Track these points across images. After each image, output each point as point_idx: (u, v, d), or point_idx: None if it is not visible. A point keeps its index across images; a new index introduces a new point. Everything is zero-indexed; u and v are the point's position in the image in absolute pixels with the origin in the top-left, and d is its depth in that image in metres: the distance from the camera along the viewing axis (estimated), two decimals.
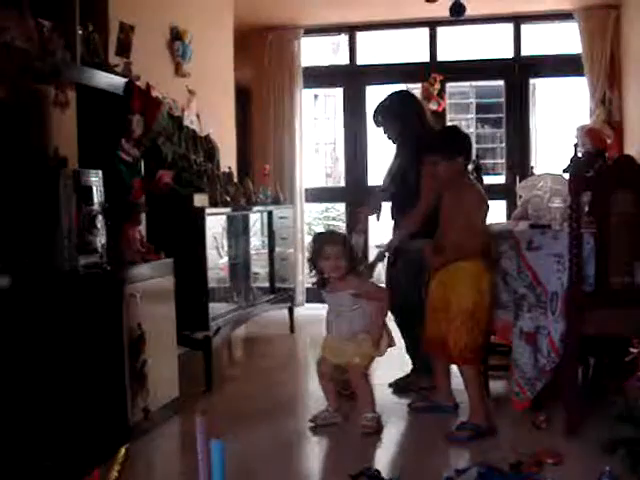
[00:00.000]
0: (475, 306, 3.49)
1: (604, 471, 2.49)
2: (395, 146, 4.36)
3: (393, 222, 4.35)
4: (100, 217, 3.60)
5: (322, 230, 3.90)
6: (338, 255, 3.57)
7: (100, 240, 3.59)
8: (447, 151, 3.56)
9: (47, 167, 3.48)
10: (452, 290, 3.54)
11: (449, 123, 7.79)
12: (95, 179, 3.64)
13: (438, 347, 3.64)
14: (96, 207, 3.60)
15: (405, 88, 8.04)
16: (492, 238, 3.74)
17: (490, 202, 3.77)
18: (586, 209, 3.56)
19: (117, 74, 4.08)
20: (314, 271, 3.67)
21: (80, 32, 3.80)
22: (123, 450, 1.43)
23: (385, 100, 4.38)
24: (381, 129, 4.38)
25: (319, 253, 3.61)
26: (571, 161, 3.57)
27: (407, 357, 4.35)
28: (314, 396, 4.25)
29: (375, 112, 4.38)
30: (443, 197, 3.67)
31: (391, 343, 3.70)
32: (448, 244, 3.57)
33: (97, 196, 3.63)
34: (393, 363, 4.36)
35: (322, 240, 3.68)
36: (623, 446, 2.59)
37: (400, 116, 4.25)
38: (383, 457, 3.40)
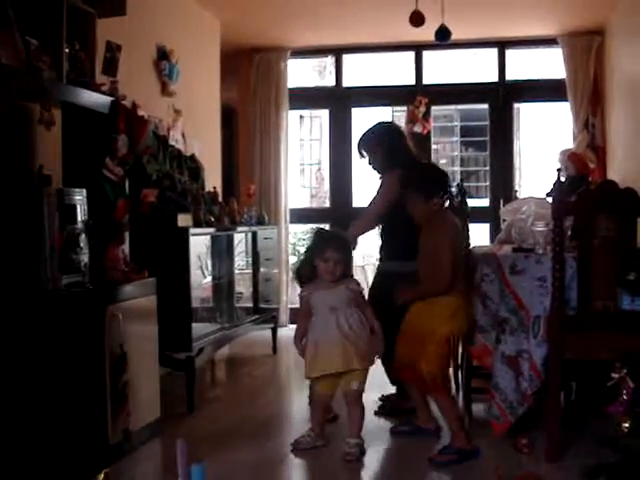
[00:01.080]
0: (449, 335, 3.50)
1: None
2: (379, 176, 4.38)
3: (380, 249, 4.39)
4: (83, 236, 3.58)
5: (326, 228, 3.78)
6: (338, 261, 3.51)
7: (83, 259, 3.57)
8: (423, 192, 3.56)
9: (31, 185, 3.46)
10: (426, 318, 3.53)
11: (434, 146, 7.84)
12: (79, 198, 3.63)
13: (409, 374, 3.64)
14: (80, 226, 3.58)
15: (391, 110, 8.15)
16: (470, 267, 3.74)
17: (474, 225, 3.78)
18: (569, 233, 3.58)
19: (103, 93, 4.06)
20: (304, 265, 3.62)
21: (67, 50, 3.79)
22: (102, 475, 1.41)
23: (368, 131, 4.42)
24: (365, 160, 4.41)
25: (319, 253, 3.53)
26: (554, 185, 3.58)
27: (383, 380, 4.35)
28: (297, 418, 4.25)
29: (359, 144, 4.42)
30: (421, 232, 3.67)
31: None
32: (419, 279, 3.58)
33: (81, 215, 3.61)
34: (377, 383, 4.35)
35: (326, 240, 3.58)
36: (605, 472, 2.59)
37: (383, 147, 4.28)
38: None
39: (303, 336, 3.64)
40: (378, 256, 4.45)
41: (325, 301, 3.55)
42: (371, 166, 4.39)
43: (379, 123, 4.49)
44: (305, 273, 3.62)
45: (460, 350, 3.98)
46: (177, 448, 1.34)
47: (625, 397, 2.37)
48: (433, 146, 7.87)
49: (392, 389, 4.36)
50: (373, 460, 3.58)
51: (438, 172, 3.78)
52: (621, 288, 2.85)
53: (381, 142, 4.31)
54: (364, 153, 4.38)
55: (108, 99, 4.04)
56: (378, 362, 4.09)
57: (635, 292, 2.59)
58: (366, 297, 3.76)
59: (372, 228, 4.33)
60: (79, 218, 3.59)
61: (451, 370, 3.83)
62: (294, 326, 3.81)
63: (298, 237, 9.04)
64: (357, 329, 3.53)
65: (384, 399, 4.33)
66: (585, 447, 3.38)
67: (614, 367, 2.48)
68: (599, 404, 2.96)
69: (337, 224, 4.40)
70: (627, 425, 2.34)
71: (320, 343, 3.54)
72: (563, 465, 3.30)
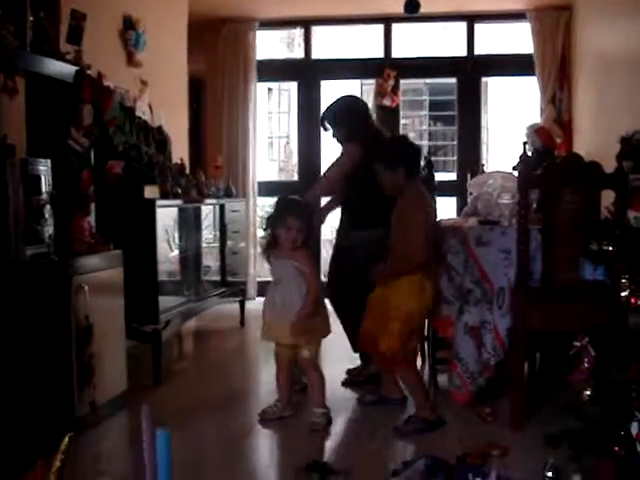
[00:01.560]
0: (410, 315, 3.50)
1: (547, 463, 2.53)
2: (342, 148, 4.39)
3: (340, 220, 4.40)
4: (48, 207, 3.55)
5: (287, 196, 3.78)
6: (300, 228, 3.52)
7: (48, 230, 3.53)
8: (389, 163, 3.55)
9: None
10: (392, 294, 3.54)
11: (402, 120, 7.85)
12: (43, 168, 3.59)
13: (371, 348, 3.66)
14: (44, 196, 3.54)
15: (360, 83, 8.13)
16: (440, 238, 3.76)
17: (441, 199, 3.79)
18: (534, 206, 3.62)
19: (68, 62, 4.01)
20: (266, 232, 3.64)
21: (30, 19, 3.73)
22: (67, 439, 1.41)
23: (332, 105, 4.44)
24: (330, 132, 4.43)
25: (281, 222, 3.53)
26: (520, 158, 3.61)
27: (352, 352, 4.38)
28: (264, 389, 4.27)
29: (322, 117, 4.44)
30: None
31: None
32: (392, 255, 3.59)
33: (45, 185, 3.57)
34: (345, 356, 4.39)
35: (288, 208, 3.59)
36: (566, 438, 2.63)
37: (347, 120, 4.30)
38: (332, 450, 3.41)
39: None
40: (339, 222, 4.46)
41: (275, 272, 3.63)
42: (335, 139, 4.41)
43: (343, 97, 4.50)
44: (270, 243, 3.63)
45: (426, 322, 4.01)
46: (142, 413, 1.34)
47: (587, 365, 2.41)
48: (402, 120, 7.87)
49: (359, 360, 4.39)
50: (339, 430, 3.62)
51: (404, 143, 3.76)
52: (584, 258, 2.89)
53: (344, 115, 4.33)
54: (327, 126, 4.39)
55: (73, 68, 3.99)
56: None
57: (597, 261, 2.63)
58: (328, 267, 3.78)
59: (326, 194, 4.36)
60: (43, 189, 3.55)
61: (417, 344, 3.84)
62: (262, 299, 3.82)
63: (266, 210, 9.01)
64: (291, 305, 3.53)
65: (350, 372, 4.36)
66: (548, 416, 3.44)
67: (576, 336, 2.52)
68: (562, 373, 3.00)
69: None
70: (588, 393, 2.38)
71: (266, 312, 3.66)
72: (526, 433, 3.35)
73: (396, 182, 3.54)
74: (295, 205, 3.65)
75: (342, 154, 4.28)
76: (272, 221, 3.60)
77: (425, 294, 3.53)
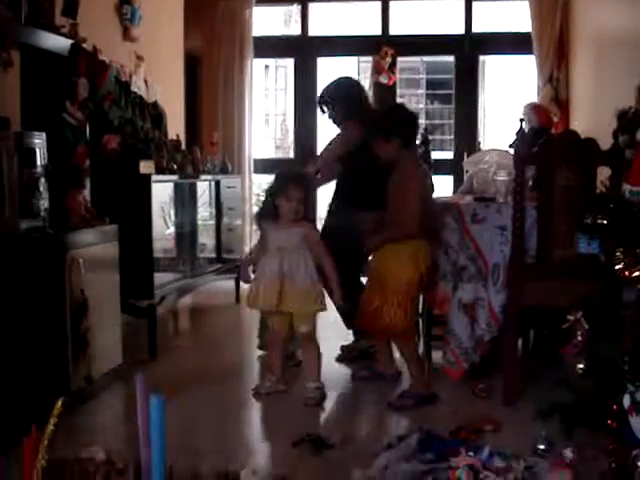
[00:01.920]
0: (410, 284, 3.50)
1: (540, 436, 2.55)
2: (340, 130, 4.39)
3: (333, 200, 4.41)
4: (43, 180, 3.53)
5: (288, 168, 3.82)
6: (301, 199, 3.52)
7: (43, 204, 3.52)
8: (386, 131, 3.54)
9: None
10: (388, 268, 3.54)
11: (399, 98, 7.82)
12: (38, 141, 3.56)
13: (371, 323, 3.66)
14: (39, 170, 3.52)
15: (357, 61, 8.09)
16: (436, 214, 3.76)
17: (438, 177, 3.79)
18: (530, 183, 3.62)
19: (63, 35, 3.99)
20: (266, 205, 3.63)
21: None
22: (60, 402, 1.41)
23: (328, 87, 4.43)
24: (326, 115, 4.42)
25: (282, 192, 3.52)
26: (517, 136, 3.61)
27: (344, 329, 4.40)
28: (258, 365, 4.27)
29: (319, 99, 4.43)
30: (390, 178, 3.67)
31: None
32: (387, 224, 3.58)
33: (40, 159, 3.55)
34: (337, 332, 4.40)
35: (289, 180, 3.57)
36: (558, 411, 2.65)
37: (344, 103, 4.30)
38: (326, 425, 3.43)
39: (251, 263, 3.76)
40: (331, 202, 4.45)
41: (276, 240, 3.58)
42: (331, 120, 4.40)
43: (338, 78, 4.51)
44: (267, 214, 3.61)
45: (421, 298, 4.02)
46: (136, 381, 1.35)
47: (580, 339, 2.43)
48: (399, 98, 7.84)
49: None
50: (333, 405, 3.63)
51: (400, 113, 3.75)
52: (578, 232, 2.89)
53: (341, 98, 4.32)
54: (324, 108, 4.39)
55: (68, 42, 3.98)
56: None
57: (592, 235, 2.63)
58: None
59: (322, 174, 4.34)
60: (38, 162, 3.53)
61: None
62: None
63: (262, 187, 8.99)
64: (300, 272, 3.53)
65: (344, 348, 4.37)
66: (542, 390, 3.46)
67: (570, 310, 2.53)
68: (556, 348, 3.02)
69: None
70: (581, 366, 2.40)
71: (261, 279, 3.59)
72: (520, 409, 3.38)
73: (392, 150, 3.54)
74: (297, 177, 3.65)
75: (339, 135, 4.27)
76: (274, 192, 3.59)
77: (420, 262, 3.52)
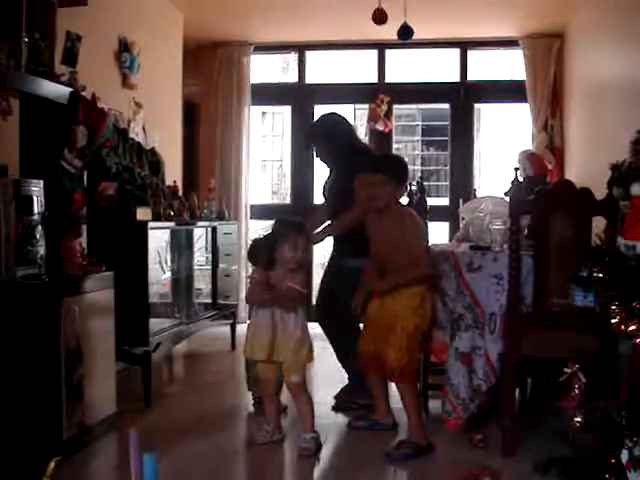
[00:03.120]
0: (417, 328, 3.53)
1: None
2: (329, 167, 4.41)
3: (335, 244, 4.39)
4: (40, 228, 3.54)
5: (285, 217, 3.80)
6: (303, 247, 3.52)
7: (39, 251, 3.53)
8: (390, 176, 3.58)
9: None
10: (395, 311, 3.55)
11: (395, 145, 7.89)
12: (36, 189, 3.58)
13: (376, 365, 3.65)
14: (36, 217, 3.53)
15: (353, 108, 8.17)
16: (434, 260, 3.78)
17: (433, 224, 3.81)
18: (525, 231, 3.63)
19: (62, 83, 4.01)
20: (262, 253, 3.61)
21: (26, 40, 3.74)
22: (53, 463, 1.40)
23: (315, 123, 4.45)
24: (313, 152, 4.43)
25: (288, 240, 3.50)
26: (512, 184, 3.63)
27: (342, 373, 4.36)
28: (254, 414, 4.23)
29: (306, 135, 4.44)
30: (374, 221, 3.68)
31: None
32: (393, 268, 3.59)
33: (37, 206, 3.57)
34: (331, 380, 4.37)
35: (291, 227, 3.56)
36: (556, 465, 2.63)
37: (330, 138, 4.30)
38: (321, 476, 3.39)
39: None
40: (331, 251, 4.45)
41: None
42: (318, 157, 4.41)
43: (324, 115, 4.50)
44: (268, 262, 3.60)
45: None
46: (130, 438, 1.33)
47: (577, 392, 2.41)
48: (395, 145, 7.91)
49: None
50: (330, 455, 3.59)
51: (403, 161, 3.83)
52: (574, 285, 2.90)
53: (328, 132, 4.32)
54: (311, 143, 4.42)
55: (67, 90, 4.00)
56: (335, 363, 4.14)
57: (587, 289, 2.64)
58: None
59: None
60: (36, 209, 3.55)
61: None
62: None
63: (258, 233, 9.01)
64: (291, 323, 3.52)
65: (339, 396, 4.33)
66: (540, 442, 3.43)
67: (567, 363, 2.52)
68: (553, 399, 3.00)
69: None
70: (579, 419, 2.38)
71: (255, 328, 3.59)
72: (517, 459, 3.34)
73: (394, 196, 3.58)
74: (299, 225, 3.65)
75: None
76: (272, 241, 3.58)
77: (423, 310, 3.55)
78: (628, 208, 2.54)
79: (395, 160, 3.87)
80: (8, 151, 3.74)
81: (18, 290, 3.34)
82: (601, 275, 2.36)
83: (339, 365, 4.32)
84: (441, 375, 3.97)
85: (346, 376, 4.36)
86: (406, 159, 3.95)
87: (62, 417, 3.36)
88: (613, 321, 2.28)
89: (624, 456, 2.23)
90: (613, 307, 2.29)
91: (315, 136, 4.38)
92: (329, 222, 4.29)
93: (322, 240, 4.26)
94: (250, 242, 4.97)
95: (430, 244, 4.23)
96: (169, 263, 5.00)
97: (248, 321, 4.69)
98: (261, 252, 3.68)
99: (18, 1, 3.67)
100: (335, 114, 4.53)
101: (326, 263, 4.59)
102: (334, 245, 4.41)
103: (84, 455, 3.45)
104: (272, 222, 3.69)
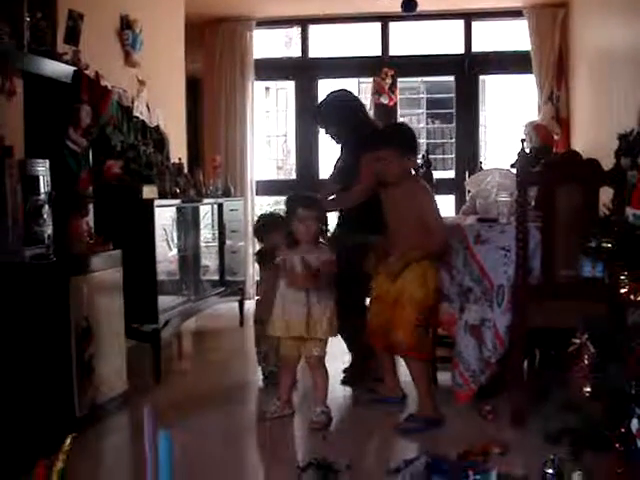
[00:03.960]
0: (426, 300, 3.52)
1: (548, 459, 2.53)
2: (340, 145, 4.38)
3: (339, 220, 4.38)
4: (46, 207, 3.55)
5: (296, 193, 3.81)
6: (312, 219, 3.51)
7: (46, 231, 3.54)
8: (400, 148, 3.55)
9: None
10: (403, 284, 3.54)
11: (400, 118, 7.85)
12: (42, 169, 3.58)
13: (383, 340, 3.66)
14: (42, 197, 3.54)
15: (357, 82, 8.13)
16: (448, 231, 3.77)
17: (439, 197, 3.80)
18: (532, 203, 3.62)
19: (65, 62, 4.01)
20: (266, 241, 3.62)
21: (27, 19, 3.73)
22: (69, 439, 1.41)
23: (324, 100, 4.41)
24: (323, 129, 4.41)
25: (293, 215, 3.54)
26: (518, 156, 3.62)
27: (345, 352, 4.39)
28: (264, 388, 4.26)
29: (315, 113, 4.41)
30: (388, 195, 3.65)
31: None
32: (404, 243, 3.56)
33: (44, 186, 3.57)
34: (341, 354, 4.39)
35: (298, 202, 3.58)
36: (566, 435, 2.64)
37: (340, 115, 4.27)
38: (332, 449, 3.40)
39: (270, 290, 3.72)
40: (335, 226, 4.44)
41: (296, 267, 3.53)
42: (328, 134, 4.38)
43: (333, 91, 4.46)
44: (290, 242, 3.58)
45: None
46: (144, 415, 1.34)
47: (586, 362, 2.42)
48: (399, 118, 7.87)
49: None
50: (340, 428, 3.61)
51: (410, 130, 3.80)
52: (583, 255, 2.89)
53: (338, 109, 4.29)
54: (320, 121, 4.38)
55: (70, 69, 3.99)
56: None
57: (596, 259, 2.63)
58: None
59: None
60: (42, 189, 3.55)
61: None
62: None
63: (264, 209, 9.01)
64: (324, 298, 3.54)
65: (347, 371, 4.36)
66: (549, 413, 3.44)
67: (575, 333, 2.52)
68: (562, 370, 3.01)
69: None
70: (588, 389, 2.39)
71: (287, 305, 3.56)
72: (527, 431, 3.35)
73: (406, 168, 3.57)
74: (306, 198, 3.65)
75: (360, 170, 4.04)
76: (288, 219, 3.59)
77: (429, 284, 3.53)
78: (636, 178, 2.53)
79: (402, 130, 3.80)
80: (13, 131, 3.73)
81: (26, 270, 3.35)
82: (609, 245, 2.36)
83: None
84: (449, 347, 3.99)
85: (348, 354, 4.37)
86: None
87: (74, 395, 3.40)
88: (622, 291, 2.29)
89: (634, 425, 2.24)
90: (622, 277, 2.29)
91: (325, 114, 4.35)
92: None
93: (332, 210, 4.23)
94: (256, 218, 4.96)
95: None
96: (176, 240, 5.00)
97: (257, 297, 4.71)
98: (269, 228, 3.68)
99: None
100: (344, 90, 4.50)
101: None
102: (338, 222, 4.38)
103: (97, 432, 3.48)
104: (283, 198, 3.70)
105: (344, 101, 4.38)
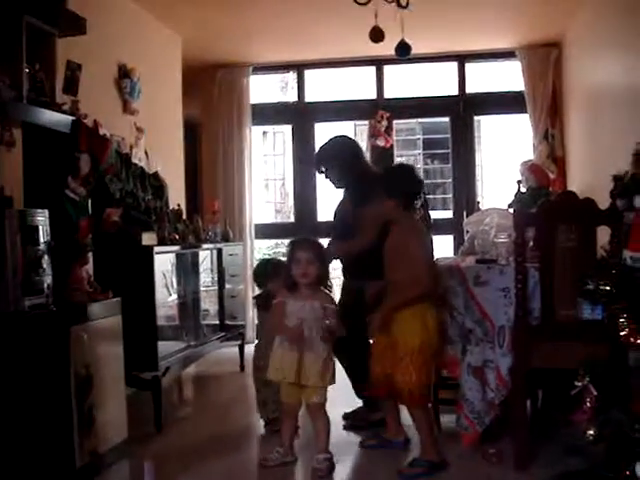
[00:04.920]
0: (422, 345, 3.48)
1: None
2: (342, 190, 4.42)
3: (344, 266, 4.39)
4: (46, 257, 3.55)
5: (297, 237, 3.84)
6: (309, 261, 3.53)
7: (46, 280, 3.54)
8: (385, 190, 3.59)
9: None
10: (399, 330, 3.53)
11: (397, 159, 7.90)
12: (41, 218, 3.60)
13: (385, 388, 3.64)
14: (42, 247, 3.54)
15: (353, 125, 8.20)
16: (439, 272, 3.77)
17: (438, 237, 3.79)
18: (531, 244, 3.63)
19: (64, 112, 4.05)
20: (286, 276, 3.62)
21: (27, 70, 3.78)
22: None
23: (324, 145, 4.45)
24: (322, 174, 4.44)
25: (291, 257, 3.57)
26: (515, 197, 3.64)
27: (353, 393, 4.35)
28: (265, 435, 4.23)
29: (316, 159, 4.45)
30: (387, 238, 3.67)
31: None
32: (395, 288, 3.56)
33: (43, 236, 3.58)
34: (343, 399, 4.36)
35: (295, 244, 3.62)
36: (570, 479, 2.62)
37: (340, 160, 4.30)
38: None
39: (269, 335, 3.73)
40: (341, 274, 4.45)
41: (296, 312, 3.56)
42: (329, 180, 4.42)
43: (334, 137, 4.50)
44: (289, 285, 3.60)
45: None
46: (144, 470, 1.34)
47: (589, 405, 2.41)
48: (397, 159, 7.92)
49: (358, 403, 4.36)
50: (343, 475, 3.58)
51: (401, 171, 3.81)
52: (582, 298, 2.89)
53: (337, 155, 4.33)
54: (322, 167, 4.40)
55: (69, 118, 4.03)
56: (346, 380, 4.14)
57: (595, 302, 2.64)
58: None
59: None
60: (41, 239, 3.56)
61: None
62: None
63: (263, 253, 9.03)
64: (317, 346, 3.53)
65: (349, 416, 4.32)
66: (553, 455, 3.42)
67: (578, 376, 2.52)
68: (565, 412, 2.99)
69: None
70: (592, 432, 2.37)
71: (284, 350, 3.56)
72: (531, 473, 3.33)
73: (393, 209, 3.57)
74: (303, 240, 3.68)
75: (367, 216, 4.05)
76: (288, 263, 3.61)
77: (428, 328, 3.50)
78: (631, 220, 2.54)
79: (400, 173, 3.80)
80: (13, 182, 3.75)
81: (26, 320, 3.35)
82: (608, 288, 2.36)
83: (350, 385, 4.30)
84: (452, 389, 3.97)
85: (355, 398, 4.34)
86: None
87: (74, 445, 3.37)
88: (622, 333, 2.28)
89: (639, 468, 2.22)
90: (621, 320, 2.29)
91: (325, 158, 4.38)
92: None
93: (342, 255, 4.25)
94: (256, 263, 4.98)
95: (435, 258, 4.23)
96: (175, 286, 5.00)
97: (256, 341, 4.69)
98: (268, 274, 3.68)
99: (18, 32, 3.71)
100: (342, 136, 4.54)
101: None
102: (342, 268, 4.40)
103: None
104: (282, 242, 3.72)
105: (344, 146, 4.42)
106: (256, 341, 4.85)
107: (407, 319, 3.50)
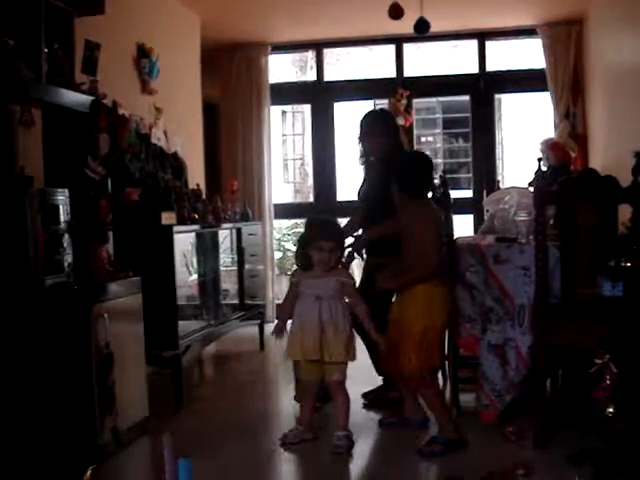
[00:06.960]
0: (425, 330, 3.46)
1: None
2: (370, 162, 4.38)
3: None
4: (67, 236, 3.57)
5: (317, 217, 3.82)
6: (332, 249, 3.53)
7: (67, 259, 3.56)
8: (397, 182, 3.60)
9: (12, 187, 3.44)
10: (402, 315, 3.54)
11: (417, 138, 7.86)
12: (61, 198, 3.62)
13: (392, 369, 3.65)
14: (62, 226, 3.57)
15: (372, 104, 8.16)
16: (452, 256, 3.75)
17: (457, 216, 3.77)
18: (551, 222, 3.60)
19: (83, 92, 4.05)
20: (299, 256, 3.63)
21: (45, 50, 3.78)
22: (90, 471, 1.41)
23: (369, 115, 4.39)
24: (361, 144, 4.38)
25: (313, 243, 3.55)
26: (536, 175, 3.60)
27: (373, 371, 4.36)
28: (285, 413, 4.25)
29: (365, 123, 4.35)
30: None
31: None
32: (404, 268, 3.56)
33: (63, 215, 3.60)
34: (363, 377, 4.37)
35: (319, 231, 3.59)
36: (589, 457, 2.61)
37: (383, 132, 4.26)
38: (355, 473, 3.39)
39: (287, 317, 3.71)
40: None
41: (312, 290, 3.57)
42: (364, 149, 4.35)
43: (376, 110, 4.45)
44: (305, 264, 3.61)
45: (447, 340, 3.99)
46: (164, 444, 1.35)
47: (608, 382, 2.39)
48: (416, 139, 7.89)
49: (378, 382, 4.37)
50: (362, 452, 3.59)
51: (414, 161, 3.77)
52: (602, 275, 2.87)
53: (383, 126, 4.29)
54: (365, 135, 4.32)
55: (88, 98, 4.03)
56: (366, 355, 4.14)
57: (615, 278, 2.62)
58: None
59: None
60: (62, 218, 3.58)
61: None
62: None
63: (283, 232, 9.04)
64: (339, 321, 3.54)
65: (368, 394, 4.33)
66: (572, 434, 3.41)
67: (598, 353, 2.50)
68: (585, 390, 2.98)
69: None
70: (611, 410, 2.36)
71: (305, 328, 3.56)
72: (550, 452, 3.32)
73: (402, 200, 3.59)
74: (326, 226, 3.66)
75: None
76: (304, 242, 3.61)
77: (433, 309, 3.49)
78: None
79: (406, 166, 3.71)
80: (33, 161, 3.77)
81: (48, 299, 3.37)
82: (629, 264, 2.34)
83: (369, 363, 4.31)
84: (471, 368, 3.97)
85: (376, 376, 4.35)
86: (427, 152, 3.90)
87: (96, 423, 3.40)
88: None
89: None
90: None
91: (370, 128, 4.32)
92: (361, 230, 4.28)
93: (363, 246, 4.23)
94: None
95: (455, 238, 4.22)
96: (195, 265, 5.02)
97: (276, 321, 4.70)
98: (301, 257, 3.68)
99: (36, 12, 3.70)
100: (384, 110, 4.52)
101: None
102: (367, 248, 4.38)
103: (119, 460, 3.48)
104: (301, 221, 3.72)
105: (389, 118, 4.43)
106: (276, 320, 4.86)
107: (412, 301, 3.50)
